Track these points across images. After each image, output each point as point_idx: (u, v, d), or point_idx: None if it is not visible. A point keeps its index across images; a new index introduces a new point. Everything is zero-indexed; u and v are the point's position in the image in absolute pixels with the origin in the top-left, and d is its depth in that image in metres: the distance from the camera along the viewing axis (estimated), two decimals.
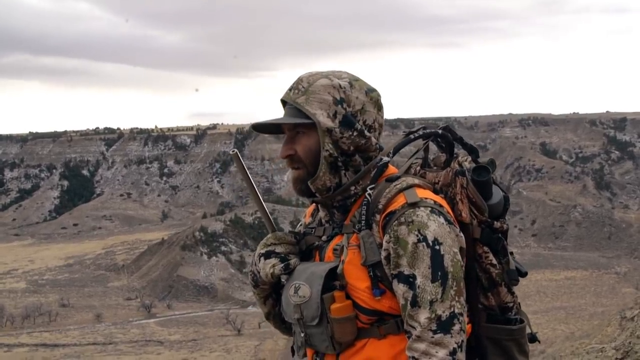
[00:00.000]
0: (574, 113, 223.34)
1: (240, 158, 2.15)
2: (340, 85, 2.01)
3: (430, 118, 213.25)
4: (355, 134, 1.99)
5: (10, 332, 76.28)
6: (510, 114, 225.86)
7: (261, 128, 2.14)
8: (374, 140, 2.04)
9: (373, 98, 2.05)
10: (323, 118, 1.97)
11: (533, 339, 2.13)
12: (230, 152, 2.19)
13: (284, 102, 2.08)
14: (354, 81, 2.04)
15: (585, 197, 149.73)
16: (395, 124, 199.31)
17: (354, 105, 2.01)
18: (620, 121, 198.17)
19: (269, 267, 2.08)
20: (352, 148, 2.01)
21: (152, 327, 79.44)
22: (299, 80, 2.04)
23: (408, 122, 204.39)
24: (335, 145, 1.99)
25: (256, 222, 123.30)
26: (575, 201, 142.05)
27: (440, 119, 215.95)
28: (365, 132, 2.01)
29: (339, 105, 1.99)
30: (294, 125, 2.03)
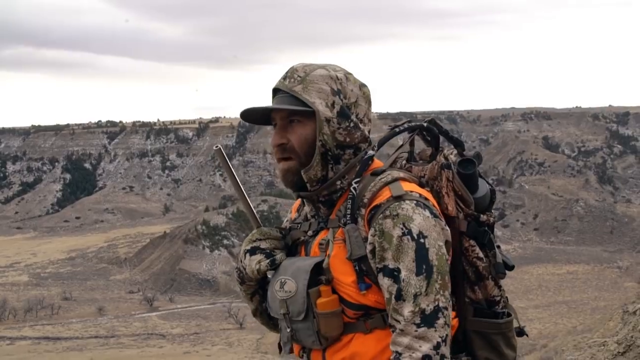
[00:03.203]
0: (576, 107, 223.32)
1: (224, 153, 2.11)
2: (337, 77, 2.00)
3: (432, 112, 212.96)
4: (351, 125, 1.99)
5: (13, 325, 76.35)
6: (513, 107, 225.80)
7: (249, 117, 2.09)
8: (366, 133, 2.04)
9: (365, 93, 2.05)
10: (322, 107, 1.95)
11: (521, 332, 2.12)
12: (214, 148, 2.16)
13: (275, 92, 2.05)
14: (348, 74, 2.05)
15: (587, 191, 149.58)
16: (398, 117, 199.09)
17: (349, 97, 2.00)
18: (623, 115, 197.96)
19: (254, 264, 2.06)
20: (347, 140, 1.99)
21: (154, 320, 79.48)
22: (294, 70, 2.02)
23: (410, 116, 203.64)
24: (331, 137, 1.97)
25: (258, 215, 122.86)
26: (578, 195, 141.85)
27: (442, 112, 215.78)
28: (359, 124, 2.01)
29: (337, 96, 1.97)
30: (288, 114, 1.99)
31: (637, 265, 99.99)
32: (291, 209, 2.31)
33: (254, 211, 2.21)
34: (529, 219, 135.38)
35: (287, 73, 2.02)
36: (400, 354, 1.80)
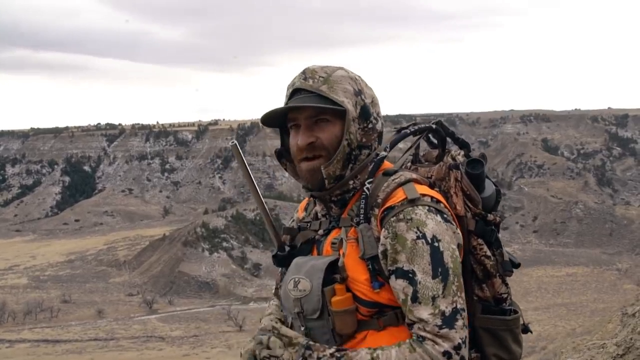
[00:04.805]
0: (575, 109, 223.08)
1: (240, 150, 2.09)
2: (356, 78, 2.04)
3: (432, 114, 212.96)
4: (369, 125, 2.02)
5: (12, 328, 76.33)
6: (512, 110, 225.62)
7: (269, 120, 2.09)
8: (382, 133, 2.08)
9: (374, 95, 2.10)
10: (350, 106, 1.98)
11: (525, 329, 2.17)
12: (229, 144, 2.15)
13: (294, 92, 2.04)
14: (359, 76, 2.08)
15: (586, 193, 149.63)
16: (397, 120, 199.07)
17: (367, 98, 2.04)
18: (622, 117, 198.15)
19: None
20: (364, 140, 2.01)
21: (153, 323, 79.46)
22: (313, 71, 2.02)
23: (410, 119, 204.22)
24: (355, 136, 2.00)
25: (257, 218, 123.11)
26: (577, 198, 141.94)
27: (441, 115, 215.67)
28: (377, 125, 2.05)
29: (359, 97, 2.01)
30: (315, 113, 2.00)
31: (636, 268, 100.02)
32: (297, 209, 2.31)
33: (266, 207, 2.16)
34: (528, 221, 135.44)
35: (306, 74, 2.02)
36: (424, 338, 1.83)
